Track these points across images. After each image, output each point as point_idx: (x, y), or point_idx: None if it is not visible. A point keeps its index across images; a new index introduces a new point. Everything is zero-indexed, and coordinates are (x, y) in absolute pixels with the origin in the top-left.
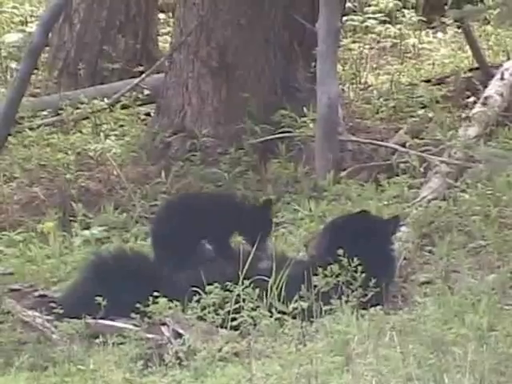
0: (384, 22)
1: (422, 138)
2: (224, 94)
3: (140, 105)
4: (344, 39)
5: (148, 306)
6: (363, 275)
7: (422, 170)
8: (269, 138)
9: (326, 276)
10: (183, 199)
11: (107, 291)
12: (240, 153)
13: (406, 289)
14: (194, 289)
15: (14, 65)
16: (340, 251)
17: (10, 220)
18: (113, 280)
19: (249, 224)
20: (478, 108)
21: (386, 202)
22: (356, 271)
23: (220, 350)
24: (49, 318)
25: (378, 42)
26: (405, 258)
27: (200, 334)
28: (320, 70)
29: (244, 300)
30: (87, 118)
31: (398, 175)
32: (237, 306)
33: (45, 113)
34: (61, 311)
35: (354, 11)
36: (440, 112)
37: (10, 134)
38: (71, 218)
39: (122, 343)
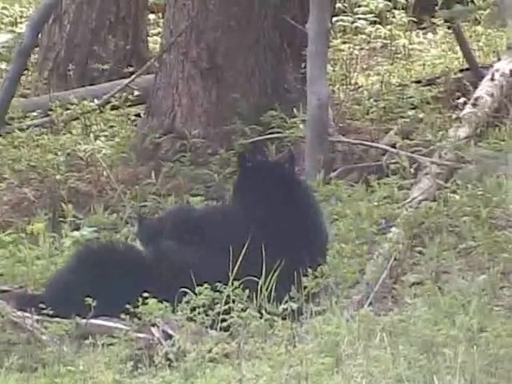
0: (374, 22)
1: (413, 139)
2: (214, 95)
3: (130, 106)
4: (334, 40)
5: (138, 306)
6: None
7: (412, 170)
8: (259, 138)
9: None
10: None
11: (96, 288)
12: (230, 154)
13: (396, 290)
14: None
15: (3, 65)
16: None
17: None
18: (101, 276)
19: None
20: (468, 109)
21: (376, 203)
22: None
23: (210, 351)
24: (39, 318)
25: (368, 42)
26: (395, 259)
27: (190, 335)
28: (310, 71)
29: (234, 301)
30: (77, 118)
31: (388, 176)
32: (227, 307)
33: (35, 113)
34: (48, 308)
35: (344, 12)
36: (430, 113)
37: None
38: (61, 219)
39: (111, 344)
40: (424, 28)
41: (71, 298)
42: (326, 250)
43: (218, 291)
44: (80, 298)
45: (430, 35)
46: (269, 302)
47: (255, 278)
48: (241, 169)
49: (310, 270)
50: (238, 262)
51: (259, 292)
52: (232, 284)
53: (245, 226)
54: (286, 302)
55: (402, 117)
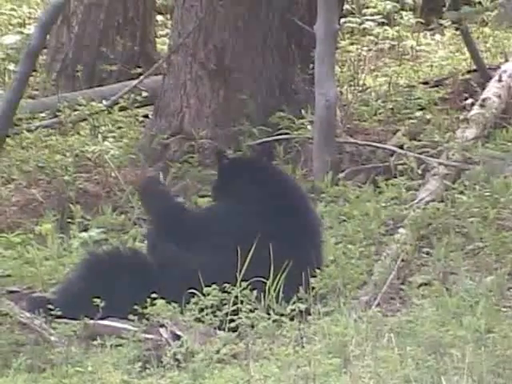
0: (382, 23)
1: (420, 140)
2: (222, 96)
3: (138, 107)
4: (342, 41)
5: (146, 307)
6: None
7: (419, 171)
8: (267, 139)
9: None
10: None
11: (103, 290)
12: (238, 155)
13: (403, 290)
14: (191, 290)
15: (12, 67)
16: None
17: (7, 222)
18: (108, 283)
19: None
20: (475, 110)
21: (383, 204)
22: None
23: (218, 352)
24: (46, 319)
25: (376, 43)
26: (403, 260)
27: (198, 336)
28: (318, 72)
29: (242, 302)
30: (85, 119)
31: (395, 177)
32: (235, 307)
33: (43, 114)
34: (57, 311)
35: (352, 13)
36: (438, 114)
37: (8, 136)
38: (69, 220)
39: (120, 345)
40: (432, 29)
41: (79, 307)
42: (322, 243)
43: (226, 292)
44: (88, 306)
45: (437, 36)
46: (276, 302)
47: (262, 279)
48: (220, 167)
49: (304, 267)
50: (239, 263)
51: (267, 293)
52: (240, 285)
53: (238, 225)
54: (294, 302)
55: (410, 118)
